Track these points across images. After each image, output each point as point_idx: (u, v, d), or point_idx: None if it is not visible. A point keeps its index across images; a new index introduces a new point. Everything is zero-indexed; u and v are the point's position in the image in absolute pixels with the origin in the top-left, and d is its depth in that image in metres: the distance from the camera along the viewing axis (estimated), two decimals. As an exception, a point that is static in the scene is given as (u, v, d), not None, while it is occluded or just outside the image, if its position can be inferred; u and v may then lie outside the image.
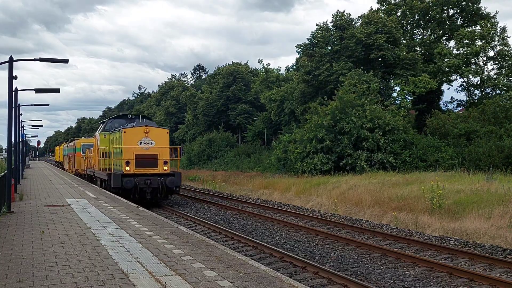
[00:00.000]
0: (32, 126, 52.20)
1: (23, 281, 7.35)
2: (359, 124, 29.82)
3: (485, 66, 38.84)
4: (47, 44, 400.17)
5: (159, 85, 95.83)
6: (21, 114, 33.91)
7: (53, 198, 21.16)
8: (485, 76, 38.34)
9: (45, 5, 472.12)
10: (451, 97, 60.47)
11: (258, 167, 41.55)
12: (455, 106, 42.09)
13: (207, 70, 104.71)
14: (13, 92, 18.35)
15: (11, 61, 16.64)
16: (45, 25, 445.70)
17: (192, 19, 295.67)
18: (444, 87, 42.44)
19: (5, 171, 18.02)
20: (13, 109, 18.43)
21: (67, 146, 58.81)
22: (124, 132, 23.29)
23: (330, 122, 30.63)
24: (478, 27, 39.05)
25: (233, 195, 29.95)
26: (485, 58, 38.68)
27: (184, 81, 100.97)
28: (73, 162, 48.70)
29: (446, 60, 38.04)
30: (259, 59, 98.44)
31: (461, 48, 38.32)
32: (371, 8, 42.10)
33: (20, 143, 36.86)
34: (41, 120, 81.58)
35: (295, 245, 14.18)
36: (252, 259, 9.90)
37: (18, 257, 9.05)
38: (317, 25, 40.32)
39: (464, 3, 41.39)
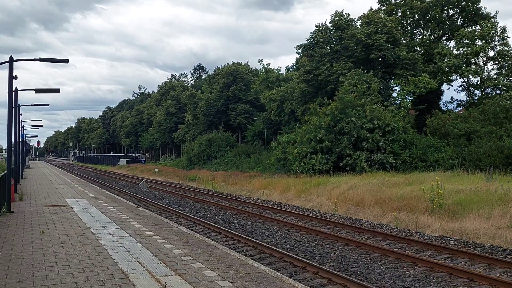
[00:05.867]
0: (32, 126, 52.27)
1: (23, 281, 7.34)
2: (359, 124, 29.85)
3: (485, 66, 38.90)
4: (46, 43, 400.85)
5: (159, 85, 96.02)
6: (21, 114, 33.96)
7: (53, 198, 21.15)
8: (485, 76, 38.36)
9: (42, 4, 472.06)
10: (451, 97, 60.70)
11: (258, 167, 41.57)
12: (455, 106, 42.15)
13: (207, 70, 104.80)
14: (13, 92, 18.34)
15: (11, 61, 16.64)
16: (43, 24, 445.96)
17: (191, 18, 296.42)
18: (444, 87, 42.53)
19: (5, 171, 18.01)
20: (13, 109, 18.42)
21: None
22: None
23: (330, 123, 30.66)
24: (478, 27, 39.06)
25: (233, 195, 29.90)
26: (485, 58, 38.73)
27: (184, 81, 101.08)
28: None
29: (446, 60, 38.05)
30: (259, 59, 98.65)
31: (461, 48, 38.34)
32: (371, 8, 42.16)
33: (20, 143, 36.85)
34: (40, 120, 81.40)
35: (295, 245, 14.16)
36: (252, 259, 9.91)
37: (18, 257, 9.04)
38: (316, 25, 40.42)
39: (464, 3, 41.39)
